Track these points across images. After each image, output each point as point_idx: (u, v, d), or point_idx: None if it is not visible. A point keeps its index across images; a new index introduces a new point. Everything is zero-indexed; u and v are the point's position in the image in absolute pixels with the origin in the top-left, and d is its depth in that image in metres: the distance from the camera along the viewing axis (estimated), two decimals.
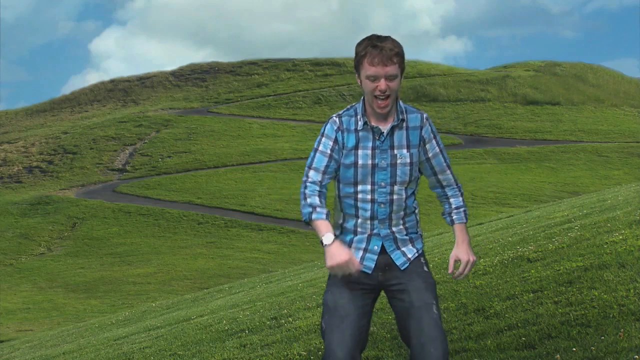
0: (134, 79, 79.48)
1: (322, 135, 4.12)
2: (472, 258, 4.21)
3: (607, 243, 8.64)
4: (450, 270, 4.25)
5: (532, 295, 7.08)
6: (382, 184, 4.09)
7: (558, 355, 5.29)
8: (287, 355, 6.93)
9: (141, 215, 46.08)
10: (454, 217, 4.25)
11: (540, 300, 6.83)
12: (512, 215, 20.82)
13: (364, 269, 4.14)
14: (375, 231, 4.14)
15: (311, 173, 4.11)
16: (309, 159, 4.14)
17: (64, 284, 35.45)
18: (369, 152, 4.08)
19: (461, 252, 4.22)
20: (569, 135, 56.12)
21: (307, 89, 69.14)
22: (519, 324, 6.22)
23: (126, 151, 59.45)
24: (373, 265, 4.14)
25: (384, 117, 4.09)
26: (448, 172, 4.21)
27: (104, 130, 63.10)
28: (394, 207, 4.12)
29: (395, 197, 4.11)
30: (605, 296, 6.40)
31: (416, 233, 4.23)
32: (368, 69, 3.99)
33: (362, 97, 4.16)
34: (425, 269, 4.19)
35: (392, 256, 4.14)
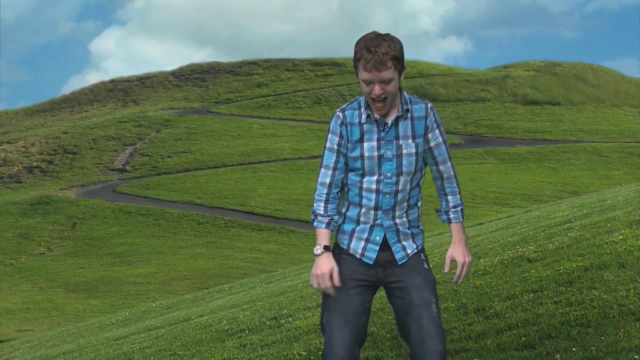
0: (134, 79, 79.49)
1: (329, 132, 4.17)
2: (467, 259, 4.20)
3: (607, 243, 8.64)
4: (446, 270, 4.24)
5: (532, 295, 7.08)
6: (389, 174, 4.10)
7: (558, 355, 5.28)
8: (287, 355, 6.93)
9: (141, 215, 46.09)
10: (451, 215, 4.25)
11: (540, 300, 6.83)
12: (512, 215, 20.82)
13: (365, 260, 4.15)
14: (378, 222, 4.15)
15: (322, 173, 4.18)
16: (322, 157, 4.20)
17: (64, 284, 35.46)
18: (375, 143, 4.09)
19: (457, 253, 4.22)
20: (569, 135, 56.12)
21: (307, 89, 69.14)
22: (519, 324, 6.22)
23: (126, 151, 59.45)
24: (374, 257, 4.15)
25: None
26: (448, 163, 4.21)
27: (104, 130, 63.11)
28: (399, 198, 4.13)
29: (400, 187, 4.12)
30: (605, 296, 6.40)
31: (418, 227, 4.24)
32: (362, 73, 4.00)
33: None
34: (426, 266, 4.19)
35: (392, 249, 4.15)
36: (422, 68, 69.99)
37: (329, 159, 4.15)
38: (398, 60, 3.99)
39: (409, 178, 4.13)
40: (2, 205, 50.55)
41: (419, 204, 4.24)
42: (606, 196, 17.38)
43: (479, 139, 56.75)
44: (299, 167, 52.56)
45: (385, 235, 4.15)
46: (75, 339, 15.88)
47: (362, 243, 4.17)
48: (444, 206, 4.26)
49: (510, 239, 11.90)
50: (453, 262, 4.25)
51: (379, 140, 4.09)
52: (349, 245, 4.18)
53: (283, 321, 9.04)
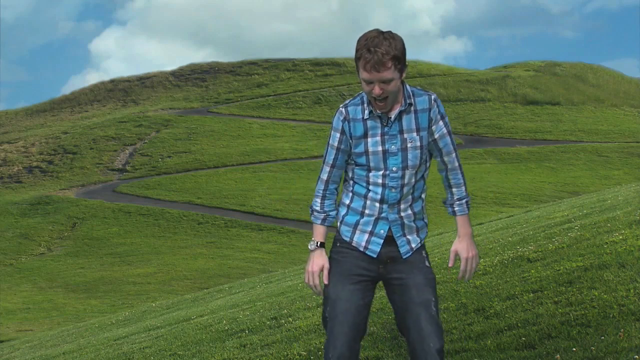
0: (134, 79, 79.48)
1: (332, 128, 4.18)
2: (472, 253, 4.19)
3: (607, 243, 8.63)
4: (450, 264, 4.21)
5: (532, 295, 7.08)
6: (394, 169, 4.09)
7: (558, 355, 5.28)
8: (287, 355, 6.93)
9: (141, 215, 46.08)
10: (456, 208, 4.23)
11: (540, 300, 6.83)
12: (512, 215, 20.81)
13: (368, 252, 4.15)
14: (383, 215, 4.14)
15: (322, 170, 4.22)
16: (324, 153, 4.23)
17: (64, 284, 35.45)
18: (379, 138, 4.08)
19: (461, 247, 4.21)
20: (569, 135, 56.11)
21: (307, 89, 69.13)
22: (519, 324, 6.22)
23: (126, 151, 59.45)
24: (378, 250, 4.14)
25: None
26: (453, 155, 4.19)
27: (104, 130, 63.10)
28: (404, 192, 4.13)
29: (406, 181, 4.11)
30: (605, 296, 6.40)
31: (422, 220, 4.24)
32: (362, 73, 3.99)
33: None
34: (427, 263, 4.19)
35: (397, 242, 4.15)
36: (422, 68, 69.98)
37: (330, 155, 4.17)
38: (398, 59, 3.97)
39: (414, 171, 4.12)
40: (2, 205, 50.55)
41: (423, 196, 4.23)
42: (606, 196, 17.37)
43: (479, 139, 56.73)
44: (299, 167, 52.55)
45: (390, 229, 4.15)
46: (75, 339, 15.88)
47: (366, 236, 4.16)
48: (449, 198, 4.25)
49: (510, 239, 11.90)
50: (458, 257, 4.24)
51: (382, 135, 4.07)
52: (352, 238, 4.18)
53: (283, 321, 9.04)
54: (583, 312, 6.14)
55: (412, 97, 4.10)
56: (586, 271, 7.46)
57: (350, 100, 4.15)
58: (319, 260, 4.21)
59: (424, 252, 4.22)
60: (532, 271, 8.12)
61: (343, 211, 4.21)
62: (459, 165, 4.22)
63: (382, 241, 4.14)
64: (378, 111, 4.06)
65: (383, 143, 4.07)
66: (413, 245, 4.19)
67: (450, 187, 4.24)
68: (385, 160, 4.08)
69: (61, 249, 42.57)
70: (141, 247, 41.20)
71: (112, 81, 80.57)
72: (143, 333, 12.50)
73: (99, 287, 34.09)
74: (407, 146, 4.08)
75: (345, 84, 68.27)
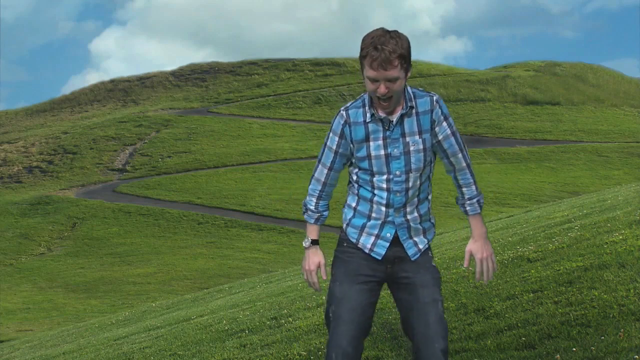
0: (134, 79, 79.49)
1: (330, 130, 4.13)
2: (486, 253, 4.16)
3: (607, 243, 8.63)
4: (465, 265, 4.19)
5: (532, 295, 7.08)
6: (398, 172, 4.06)
7: (558, 355, 5.28)
8: (287, 355, 6.93)
9: (141, 215, 46.09)
10: (467, 208, 4.20)
11: (540, 300, 6.83)
12: (512, 215, 20.81)
13: (373, 254, 4.14)
14: (389, 218, 4.12)
15: (318, 170, 4.20)
16: (320, 152, 4.19)
17: (64, 284, 35.45)
18: (381, 142, 4.04)
19: (475, 247, 4.19)
20: (569, 135, 56.12)
21: (307, 89, 69.14)
22: (519, 324, 6.21)
23: (126, 151, 59.45)
24: (384, 252, 4.13)
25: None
26: (460, 155, 4.13)
27: (104, 130, 63.10)
28: (409, 195, 4.10)
29: (410, 185, 4.08)
30: (605, 296, 6.39)
31: (429, 221, 4.22)
32: (368, 71, 3.93)
33: None
34: (433, 263, 4.20)
35: (404, 245, 4.13)
36: (422, 68, 69.97)
37: (327, 157, 4.15)
38: (405, 58, 3.92)
39: (419, 174, 4.09)
40: (2, 205, 50.55)
41: (429, 197, 4.21)
42: (606, 196, 17.37)
43: (479, 139, 56.73)
44: (299, 167, 52.55)
45: (396, 232, 4.13)
46: (75, 339, 15.88)
47: (372, 239, 4.14)
48: (460, 198, 4.22)
49: (510, 239, 11.90)
50: (473, 257, 4.22)
51: (385, 139, 4.04)
52: (358, 240, 4.17)
53: (283, 321, 9.03)
54: (583, 312, 6.14)
55: (413, 99, 4.05)
56: (586, 271, 7.46)
57: (351, 103, 4.11)
58: (314, 258, 4.23)
59: (430, 252, 4.21)
60: (532, 271, 8.12)
61: (350, 214, 4.19)
62: (467, 164, 4.16)
63: (387, 244, 4.12)
64: (381, 113, 4.02)
65: (385, 147, 4.03)
66: (421, 246, 4.18)
67: (460, 187, 4.20)
68: (388, 164, 4.04)
69: (61, 249, 42.57)
70: (141, 247, 41.20)
71: (112, 81, 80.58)
72: (143, 333, 12.50)
73: (99, 287, 34.09)
74: (409, 149, 4.03)
75: (346, 84, 68.27)
